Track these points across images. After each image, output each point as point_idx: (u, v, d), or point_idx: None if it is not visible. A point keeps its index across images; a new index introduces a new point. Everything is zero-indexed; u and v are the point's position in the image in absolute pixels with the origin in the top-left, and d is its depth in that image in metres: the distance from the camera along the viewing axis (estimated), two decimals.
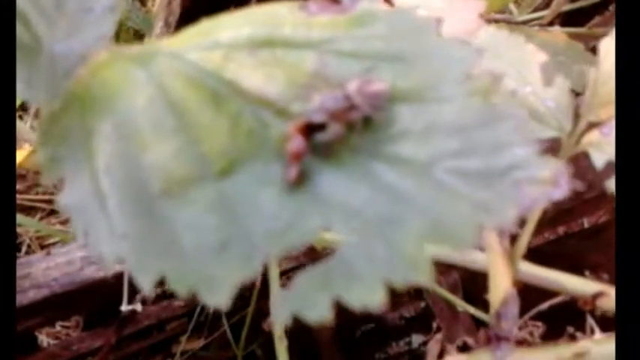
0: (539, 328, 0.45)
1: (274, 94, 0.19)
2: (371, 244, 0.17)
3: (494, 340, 0.26)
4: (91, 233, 0.17)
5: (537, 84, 0.29)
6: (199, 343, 0.59)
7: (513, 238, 0.28)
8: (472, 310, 0.39)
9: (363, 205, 0.17)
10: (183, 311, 0.55)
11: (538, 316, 0.44)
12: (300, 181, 0.18)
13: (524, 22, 0.52)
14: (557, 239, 0.53)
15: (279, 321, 0.16)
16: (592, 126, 0.28)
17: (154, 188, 0.18)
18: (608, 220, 0.53)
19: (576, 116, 0.29)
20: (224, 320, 0.58)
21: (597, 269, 0.48)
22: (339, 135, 0.18)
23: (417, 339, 0.59)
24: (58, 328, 0.67)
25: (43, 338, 0.66)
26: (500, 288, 0.28)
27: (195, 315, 0.56)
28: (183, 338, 0.57)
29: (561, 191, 0.17)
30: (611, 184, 0.24)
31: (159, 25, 0.39)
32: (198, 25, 0.21)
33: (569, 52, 0.40)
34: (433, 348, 0.47)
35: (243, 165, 0.18)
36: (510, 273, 0.28)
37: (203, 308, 0.57)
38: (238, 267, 0.17)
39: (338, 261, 0.17)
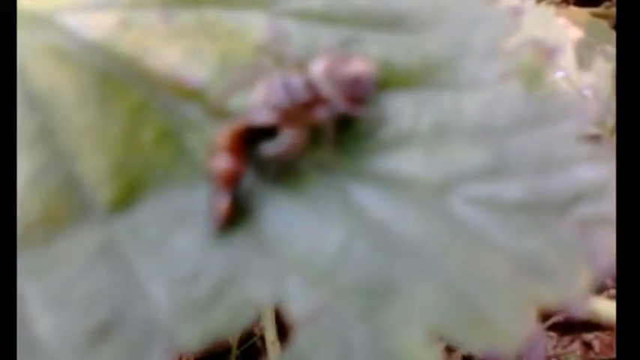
0: (552, 338, 0.39)
1: (200, 79, 0.11)
2: (347, 331, 0.09)
3: None
4: None
5: (571, 67, 0.21)
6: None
7: None
8: None
9: (337, 258, 0.10)
10: None
11: (552, 325, 0.37)
12: (234, 218, 0.10)
13: None
14: None
15: None
16: None
17: None
18: None
19: None
20: None
21: None
22: (297, 145, 0.10)
23: None
24: None
25: None
26: None
27: None
28: None
29: None
30: None
31: None
32: None
33: (593, 31, 0.32)
34: None
35: (147, 192, 0.11)
36: None
37: None
38: None
39: (292, 357, 0.09)
